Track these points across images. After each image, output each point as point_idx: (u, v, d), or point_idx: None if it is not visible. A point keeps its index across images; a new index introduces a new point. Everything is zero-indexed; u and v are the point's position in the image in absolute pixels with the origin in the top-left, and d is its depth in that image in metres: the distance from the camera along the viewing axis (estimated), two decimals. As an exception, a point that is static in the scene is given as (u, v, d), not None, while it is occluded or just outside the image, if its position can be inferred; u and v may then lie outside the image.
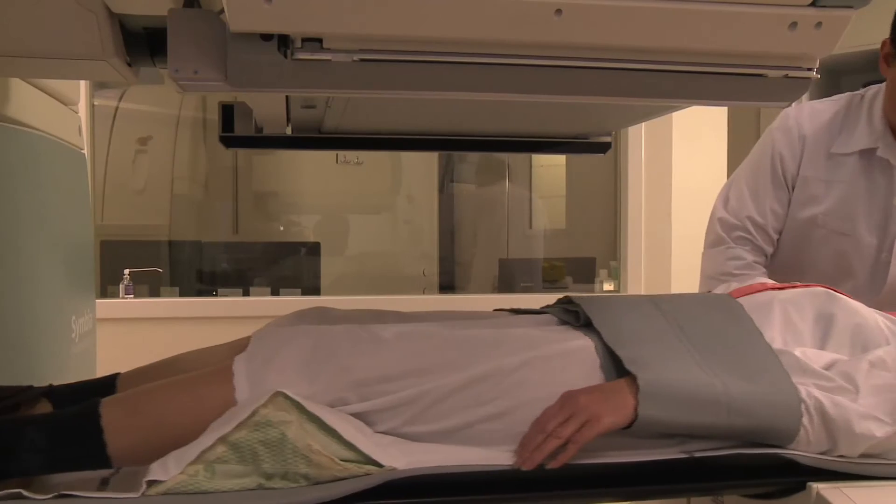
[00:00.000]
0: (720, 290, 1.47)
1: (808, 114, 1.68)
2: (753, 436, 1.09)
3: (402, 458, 1.02)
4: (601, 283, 3.54)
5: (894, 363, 1.13)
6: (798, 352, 1.16)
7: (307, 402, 1.02)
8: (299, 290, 3.64)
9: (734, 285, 1.50)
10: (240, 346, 1.14)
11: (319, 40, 0.78)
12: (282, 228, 4.31)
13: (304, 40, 0.78)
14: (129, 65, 1.06)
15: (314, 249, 3.91)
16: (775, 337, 1.22)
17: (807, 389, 1.08)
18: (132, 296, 3.19)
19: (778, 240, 1.70)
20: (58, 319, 1.63)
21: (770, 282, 1.39)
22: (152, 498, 0.94)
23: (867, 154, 1.61)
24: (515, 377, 1.09)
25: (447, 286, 4.12)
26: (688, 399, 1.06)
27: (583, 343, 1.15)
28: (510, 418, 1.08)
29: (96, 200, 3.43)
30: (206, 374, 1.11)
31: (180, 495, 0.95)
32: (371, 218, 4.26)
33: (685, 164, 3.42)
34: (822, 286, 1.34)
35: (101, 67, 1.01)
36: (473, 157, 4.36)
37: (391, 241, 4.28)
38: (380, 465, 1.00)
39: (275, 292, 3.56)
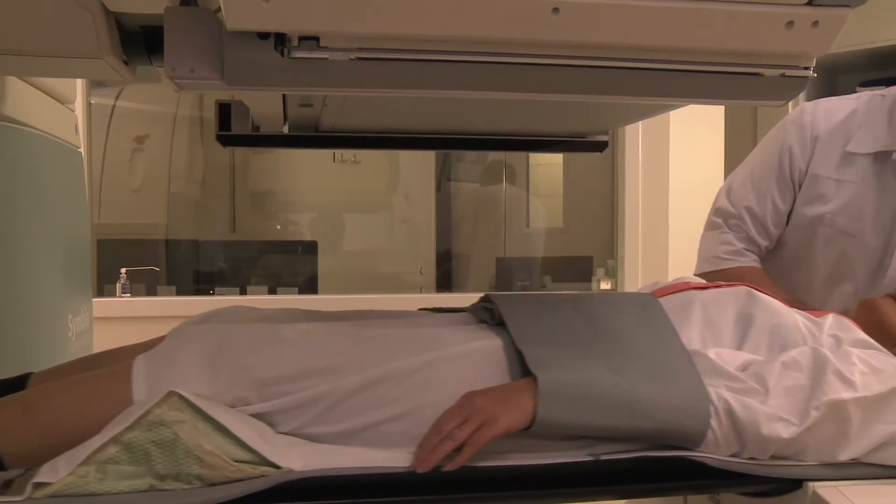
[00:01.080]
0: (646, 288, 1.45)
1: (824, 110, 1.66)
2: (661, 438, 1.07)
3: (300, 459, 1.00)
4: (598, 281, 3.55)
5: (808, 364, 1.11)
6: (712, 353, 1.14)
7: (202, 401, 1.00)
8: (296, 288, 3.64)
9: (722, 267, 1.65)
10: (154, 345, 1.12)
11: (316, 39, 0.78)
12: (279, 227, 4.31)
13: (300, 39, 0.78)
14: (126, 63, 1.05)
15: (311, 248, 3.91)
16: (693, 337, 1.20)
17: (716, 391, 1.07)
18: (129, 294, 3.19)
19: (781, 236, 1.69)
20: (54, 318, 1.63)
21: (694, 281, 1.39)
22: (38, 501, 0.91)
23: (882, 156, 1.58)
24: (417, 378, 1.08)
25: (444, 285, 4.12)
26: (590, 400, 1.04)
27: (491, 343, 1.13)
28: (412, 419, 1.06)
29: (93, 199, 3.43)
30: (105, 372, 1.10)
31: (69, 497, 0.92)
32: (368, 217, 4.26)
33: (682, 163, 3.43)
34: (746, 285, 1.33)
35: (98, 66, 1.01)
36: (471, 155, 4.36)
37: (388, 240, 4.28)
38: (276, 467, 0.98)
39: (272, 291, 3.56)
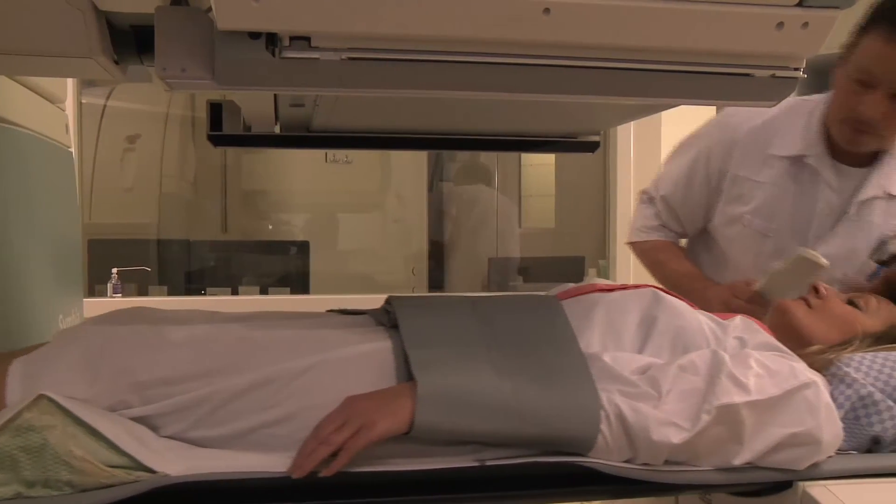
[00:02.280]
0: (555, 290, 1.46)
1: (748, 113, 1.71)
2: (550, 444, 1.05)
3: (179, 463, 0.98)
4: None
5: (705, 367, 1.09)
6: (608, 357, 1.12)
7: (75, 404, 0.98)
8: (288, 288, 3.63)
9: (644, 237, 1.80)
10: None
11: (307, 39, 0.78)
12: (271, 227, 4.30)
13: (291, 39, 0.78)
14: (117, 63, 1.05)
15: (303, 248, 3.90)
16: (594, 340, 1.19)
17: (608, 396, 1.05)
18: (120, 295, 3.18)
19: (709, 232, 1.78)
20: (45, 318, 1.62)
21: (601, 283, 1.38)
22: None
23: (798, 160, 1.64)
24: (302, 381, 1.07)
25: (436, 285, 4.12)
26: (472, 404, 1.02)
27: (380, 346, 1.12)
28: (296, 423, 1.04)
29: (84, 199, 3.41)
30: None
31: None
32: (360, 217, 4.25)
33: (674, 164, 3.44)
34: (652, 286, 1.32)
35: (88, 65, 1.01)
36: (463, 156, 4.36)
37: (380, 240, 4.28)
38: (152, 472, 0.95)
39: (264, 291, 3.55)
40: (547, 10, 0.76)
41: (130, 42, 1.05)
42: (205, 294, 3.58)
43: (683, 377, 1.08)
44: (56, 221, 1.78)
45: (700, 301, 1.43)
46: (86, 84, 3.40)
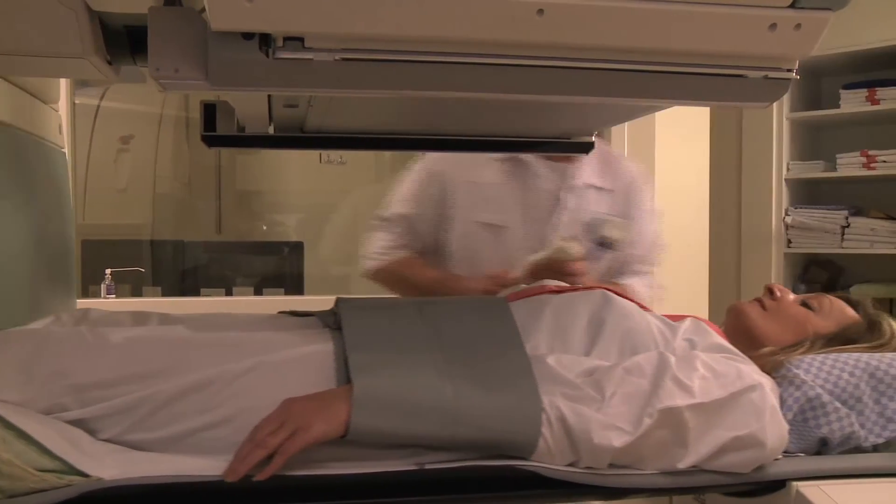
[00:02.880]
0: (505, 292, 1.47)
1: None
2: (491, 447, 1.04)
3: (115, 467, 0.96)
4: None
5: (650, 369, 1.09)
6: (552, 359, 1.12)
7: (5, 407, 0.97)
8: (282, 289, 3.63)
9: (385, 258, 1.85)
10: None
11: (301, 39, 0.78)
12: (265, 228, 4.30)
13: (285, 39, 0.78)
14: (110, 63, 1.05)
15: (297, 249, 3.90)
16: (540, 343, 1.18)
17: (551, 399, 1.04)
18: (114, 296, 3.17)
19: (443, 240, 1.87)
20: (38, 319, 1.62)
21: (552, 284, 1.39)
22: None
23: (513, 158, 1.80)
24: (240, 383, 1.06)
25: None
26: (409, 408, 1.01)
27: (322, 348, 1.11)
28: (234, 426, 1.03)
29: (78, 199, 3.40)
30: None
31: None
32: (354, 217, 4.25)
33: (668, 164, 3.44)
34: (604, 287, 1.32)
35: (82, 65, 1.01)
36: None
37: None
38: (85, 475, 0.94)
39: (258, 292, 3.55)
40: (541, 11, 0.77)
41: (124, 42, 1.05)
42: (199, 295, 3.58)
43: (628, 380, 1.08)
44: (49, 222, 1.77)
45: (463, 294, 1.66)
46: (79, 84, 3.39)
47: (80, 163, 3.47)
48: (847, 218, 3.99)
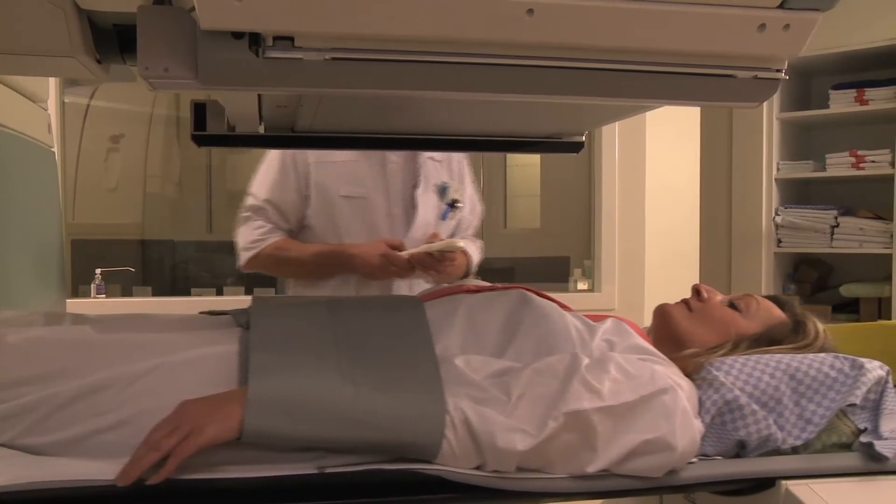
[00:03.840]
0: (424, 292, 1.47)
1: None
2: (394, 450, 1.02)
3: (6, 472, 0.93)
4: (575, 281, 3.56)
5: (563, 371, 1.07)
6: (460, 360, 1.10)
7: None
8: (273, 289, 3.62)
9: (263, 245, 1.95)
10: None
11: (291, 39, 0.78)
12: (256, 227, 4.27)
13: (275, 39, 0.78)
14: (99, 62, 1.04)
15: (288, 248, 3.87)
16: (452, 343, 1.17)
17: (456, 401, 1.02)
18: (104, 295, 3.16)
19: (306, 218, 2.00)
20: (27, 319, 1.61)
21: (470, 284, 1.38)
22: None
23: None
24: (139, 385, 1.04)
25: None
26: (307, 409, 0.99)
27: (225, 348, 1.10)
28: (130, 429, 1.01)
29: (68, 199, 3.39)
30: None
31: None
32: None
33: (659, 163, 3.45)
34: (522, 287, 1.31)
35: (70, 64, 1.00)
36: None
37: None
38: None
39: (249, 292, 3.53)
40: (530, 11, 0.77)
41: (113, 41, 1.04)
42: (190, 295, 3.56)
43: (539, 381, 1.06)
44: (38, 221, 1.76)
45: (354, 262, 1.88)
46: (69, 83, 3.38)
47: (70, 162, 3.45)
48: (836, 217, 4.01)
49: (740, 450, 1.16)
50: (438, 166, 2.05)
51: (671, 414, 1.05)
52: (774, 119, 4.14)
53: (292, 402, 0.99)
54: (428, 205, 2.01)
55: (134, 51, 0.84)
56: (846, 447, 1.17)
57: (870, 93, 3.87)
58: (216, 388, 1.03)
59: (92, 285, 3.15)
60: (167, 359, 1.07)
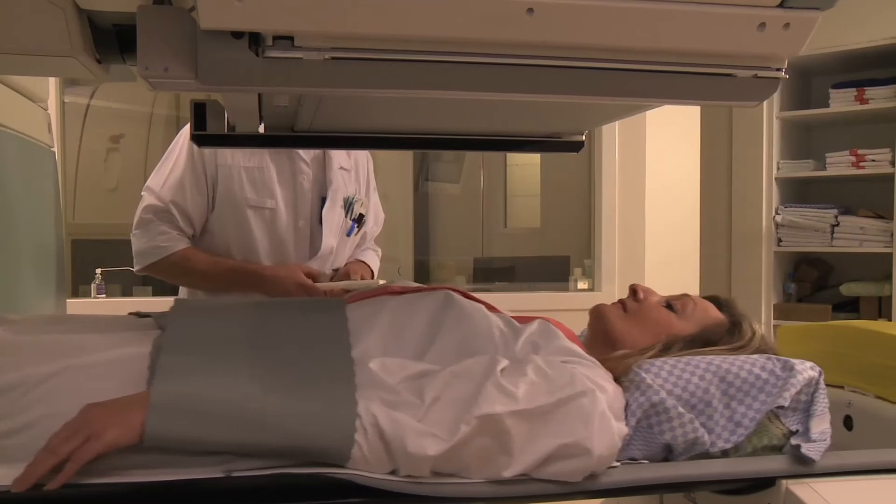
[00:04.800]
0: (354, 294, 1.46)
1: None
2: (303, 455, 0.99)
3: None
4: (575, 281, 3.56)
5: (482, 373, 1.04)
6: (375, 363, 1.08)
7: None
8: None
9: (163, 252, 1.87)
10: None
11: (291, 38, 0.78)
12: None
13: (275, 38, 0.78)
14: (99, 62, 1.04)
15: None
16: (372, 346, 1.14)
17: (367, 405, 0.99)
18: (104, 295, 3.16)
19: (208, 225, 1.93)
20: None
21: (396, 285, 1.36)
22: None
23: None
24: (44, 388, 1.01)
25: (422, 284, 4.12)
26: (211, 414, 0.97)
27: (136, 350, 1.08)
28: (34, 432, 0.98)
29: (68, 199, 3.39)
30: None
31: None
32: (346, 216, 4.24)
33: (659, 162, 3.45)
34: (449, 288, 1.29)
35: (70, 64, 1.00)
36: (448, 155, 4.36)
37: (366, 240, 4.26)
38: None
39: (249, 291, 3.53)
40: (530, 10, 0.77)
41: (113, 41, 1.04)
42: (189, 294, 3.56)
43: (455, 384, 1.04)
44: (38, 222, 1.76)
45: (267, 285, 1.82)
46: (69, 83, 3.38)
47: (70, 162, 3.45)
48: (836, 217, 4.02)
49: (668, 453, 1.14)
50: (347, 176, 2.01)
51: (588, 417, 1.02)
52: (774, 118, 4.14)
53: (196, 405, 0.97)
54: (334, 221, 1.98)
55: (134, 51, 0.84)
56: (777, 450, 1.15)
57: (870, 92, 3.87)
58: (124, 391, 1.01)
59: (92, 285, 3.15)
60: (75, 361, 1.05)
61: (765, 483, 1.11)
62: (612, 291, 3.41)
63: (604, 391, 1.08)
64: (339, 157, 2.00)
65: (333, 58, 0.80)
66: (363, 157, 2.10)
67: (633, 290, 1.35)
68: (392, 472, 1.00)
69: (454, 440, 0.98)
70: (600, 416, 1.03)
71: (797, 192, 4.33)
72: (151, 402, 0.96)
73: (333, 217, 1.98)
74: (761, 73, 0.90)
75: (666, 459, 1.14)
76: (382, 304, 1.24)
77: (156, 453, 0.97)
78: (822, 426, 1.15)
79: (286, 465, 0.99)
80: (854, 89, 3.92)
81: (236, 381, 1.02)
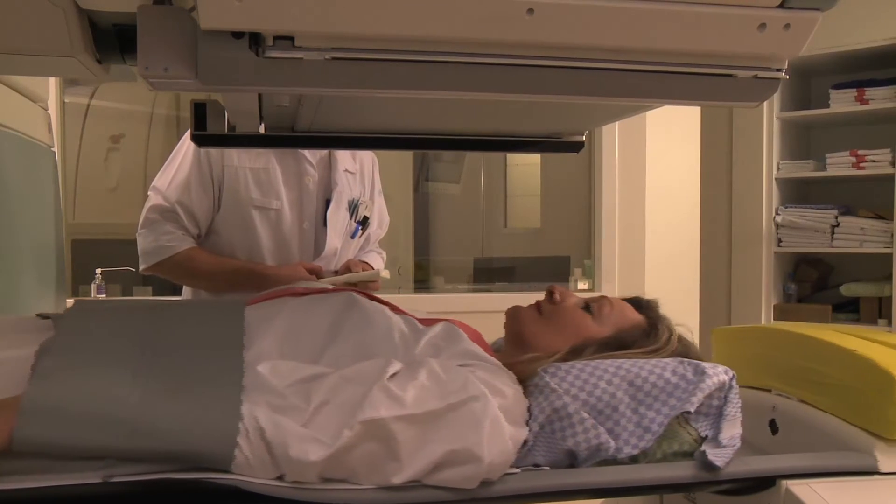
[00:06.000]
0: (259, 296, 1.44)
1: None
2: (185, 460, 0.96)
3: None
4: (576, 281, 3.56)
5: (372, 377, 1.02)
6: (265, 366, 1.05)
7: None
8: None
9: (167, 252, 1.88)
10: None
11: (291, 38, 0.78)
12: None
13: (275, 38, 0.78)
14: (99, 61, 1.04)
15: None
16: (267, 348, 1.12)
17: (252, 409, 0.97)
18: (104, 295, 3.16)
19: (214, 226, 1.95)
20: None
21: (301, 286, 1.33)
22: None
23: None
24: None
25: (422, 285, 4.12)
26: (84, 418, 0.93)
27: (20, 353, 1.05)
28: None
29: (68, 199, 3.39)
30: None
31: None
32: (346, 216, 4.24)
33: (659, 162, 3.45)
34: (354, 290, 1.27)
35: (70, 64, 1.00)
36: (448, 155, 4.36)
37: (366, 240, 4.26)
38: None
39: (249, 290, 3.54)
40: (530, 11, 0.77)
41: (113, 41, 1.04)
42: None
43: (346, 388, 1.01)
44: (38, 221, 1.76)
45: (270, 284, 1.68)
46: (69, 83, 3.38)
47: (70, 162, 3.46)
48: (837, 217, 4.02)
49: (572, 460, 1.10)
50: (352, 179, 2.03)
51: (479, 423, 0.99)
52: (775, 118, 4.14)
53: (68, 410, 0.94)
54: (338, 223, 1.99)
55: (134, 50, 0.84)
56: (688, 455, 1.11)
57: (870, 92, 3.87)
58: (6, 394, 0.97)
59: (92, 285, 3.15)
60: None
61: (765, 483, 1.11)
62: (612, 291, 3.41)
63: (502, 396, 1.05)
64: (344, 159, 2.01)
65: (334, 58, 0.80)
66: (368, 160, 2.11)
67: (550, 292, 1.32)
68: (281, 478, 0.97)
69: (337, 445, 0.96)
70: (492, 422, 1.00)
71: (797, 192, 4.33)
72: (21, 407, 0.93)
73: (338, 219, 1.99)
74: (761, 74, 0.90)
75: (571, 465, 1.10)
76: (282, 305, 1.21)
77: (33, 459, 0.94)
78: (732, 431, 1.12)
79: (170, 471, 0.96)
80: (854, 90, 3.92)
81: (115, 385, 0.98)
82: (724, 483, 1.12)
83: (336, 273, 1.98)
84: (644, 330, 1.28)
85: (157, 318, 1.14)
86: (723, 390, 1.14)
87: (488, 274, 4.25)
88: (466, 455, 0.98)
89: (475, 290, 4.10)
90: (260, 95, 1.22)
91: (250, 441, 0.95)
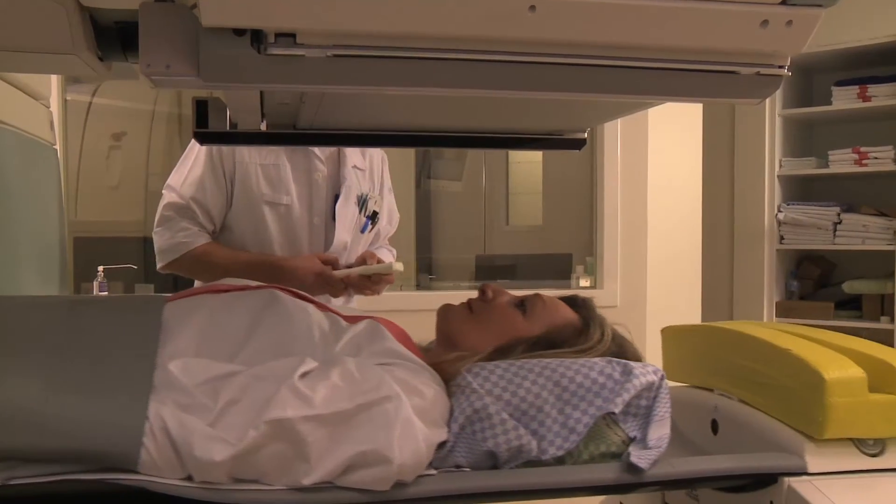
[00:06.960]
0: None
1: None
2: (89, 459, 0.93)
3: None
4: (577, 279, 3.56)
5: (283, 376, 1.00)
6: (176, 364, 1.03)
7: None
8: (275, 286, 3.62)
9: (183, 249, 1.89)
10: None
11: (293, 35, 0.78)
12: (258, 225, 4.28)
13: (277, 35, 0.78)
14: (101, 59, 1.04)
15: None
16: (184, 346, 1.09)
17: (158, 408, 0.95)
18: (106, 293, 3.16)
19: (227, 222, 1.96)
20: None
21: (224, 283, 1.31)
22: None
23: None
24: None
25: (424, 282, 4.12)
26: None
27: None
28: None
29: (70, 197, 3.40)
30: None
31: None
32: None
33: (661, 160, 3.45)
34: (276, 287, 1.25)
35: (72, 61, 1.00)
36: (450, 153, 4.36)
37: (368, 238, 4.26)
38: None
39: (250, 288, 3.54)
40: (532, 8, 0.77)
41: (115, 38, 1.04)
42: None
43: (255, 387, 1.00)
44: (40, 219, 1.77)
45: (286, 276, 1.80)
46: (71, 81, 3.38)
47: (72, 160, 3.46)
48: (839, 214, 4.01)
49: (493, 461, 1.08)
50: (361, 175, 2.04)
51: (390, 424, 0.98)
52: (777, 115, 4.14)
53: None
54: (347, 217, 2.00)
55: (136, 48, 0.84)
56: (616, 457, 1.09)
57: (872, 89, 3.87)
58: None
59: (94, 283, 3.15)
60: None
61: (767, 480, 1.11)
62: (613, 289, 3.41)
63: (420, 396, 1.04)
64: (353, 156, 2.02)
65: (335, 55, 0.80)
66: (378, 157, 2.12)
67: (483, 290, 1.30)
68: (189, 478, 0.96)
69: (242, 445, 0.94)
70: (403, 423, 0.99)
71: (800, 189, 4.32)
72: None
73: (347, 213, 2.00)
74: (764, 71, 0.90)
75: (494, 467, 1.08)
76: (202, 302, 1.19)
77: None
78: (660, 432, 1.10)
79: (75, 472, 0.93)
80: (857, 87, 3.91)
81: (20, 382, 0.97)
82: (727, 479, 1.12)
83: (350, 266, 1.98)
84: (576, 329, 1.25)
85: (75, 316, 1.12)
86: (651, 390, 1.12)
87: (490, 272, 4.24)
88: (376, 456, 0.97)
89: (477, 288, 4.09)
90: (261, 92, 1.22)
91: (156, 440, 0.94)
